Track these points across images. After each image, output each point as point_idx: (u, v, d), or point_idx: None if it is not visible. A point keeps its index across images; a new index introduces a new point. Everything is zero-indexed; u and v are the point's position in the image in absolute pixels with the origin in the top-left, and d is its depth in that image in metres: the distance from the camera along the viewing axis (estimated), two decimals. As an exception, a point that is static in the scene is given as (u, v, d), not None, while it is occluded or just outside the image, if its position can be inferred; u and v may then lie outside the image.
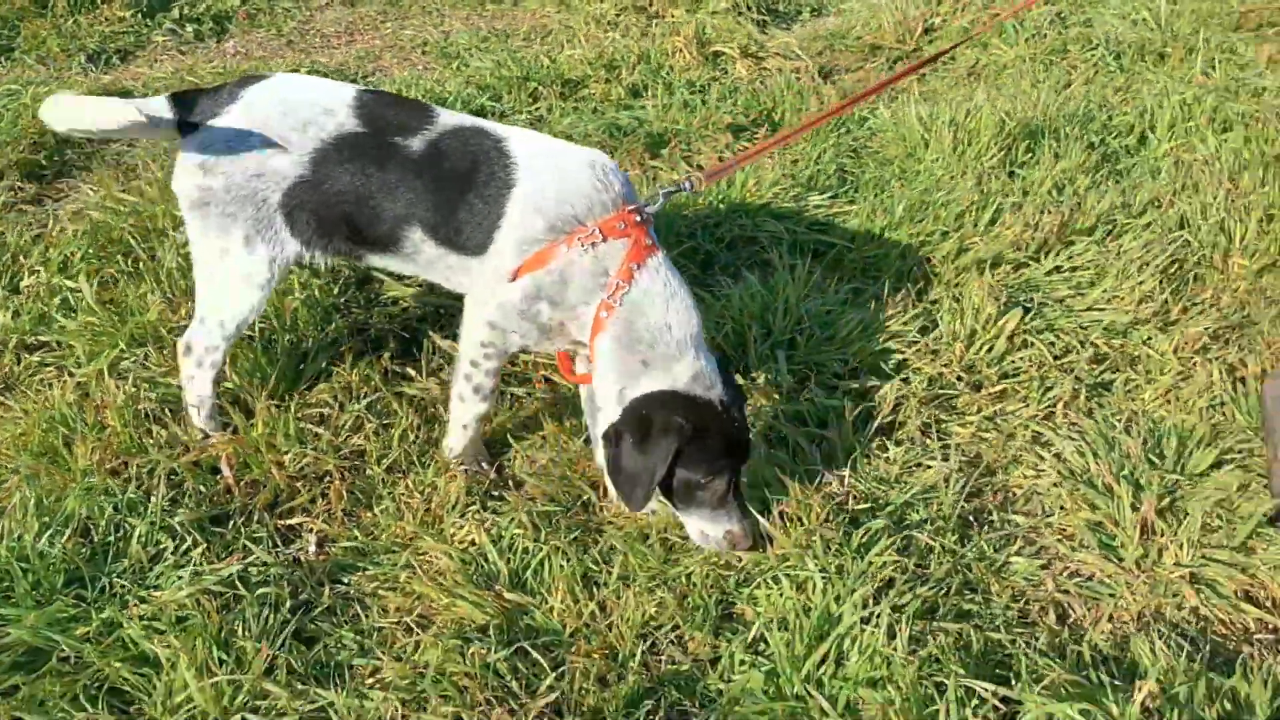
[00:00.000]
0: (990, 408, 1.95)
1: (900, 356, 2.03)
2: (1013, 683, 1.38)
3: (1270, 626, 1.57)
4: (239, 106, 1.67)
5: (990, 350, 2.03)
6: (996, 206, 2.46)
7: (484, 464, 1.84)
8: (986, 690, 1.37)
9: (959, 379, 1.99)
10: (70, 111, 1.61)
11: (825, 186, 2.61)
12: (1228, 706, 1.33)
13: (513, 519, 1.66)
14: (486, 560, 1.62)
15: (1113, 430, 1.86)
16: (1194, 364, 2.03)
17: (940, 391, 1.98)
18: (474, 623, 1.50)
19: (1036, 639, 1.49)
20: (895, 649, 1.40)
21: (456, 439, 1.80)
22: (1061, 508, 1.74)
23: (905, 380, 1.97)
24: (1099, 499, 1.71)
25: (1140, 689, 1.31)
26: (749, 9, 3.95)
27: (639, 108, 3.07)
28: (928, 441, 1.88)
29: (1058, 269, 2.31)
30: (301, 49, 3.70)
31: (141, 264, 2.18)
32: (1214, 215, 2.41)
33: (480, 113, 3.12)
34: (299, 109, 1.67)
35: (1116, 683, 1.35)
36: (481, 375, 1.75)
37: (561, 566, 1.59)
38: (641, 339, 1.63)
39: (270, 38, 3.79)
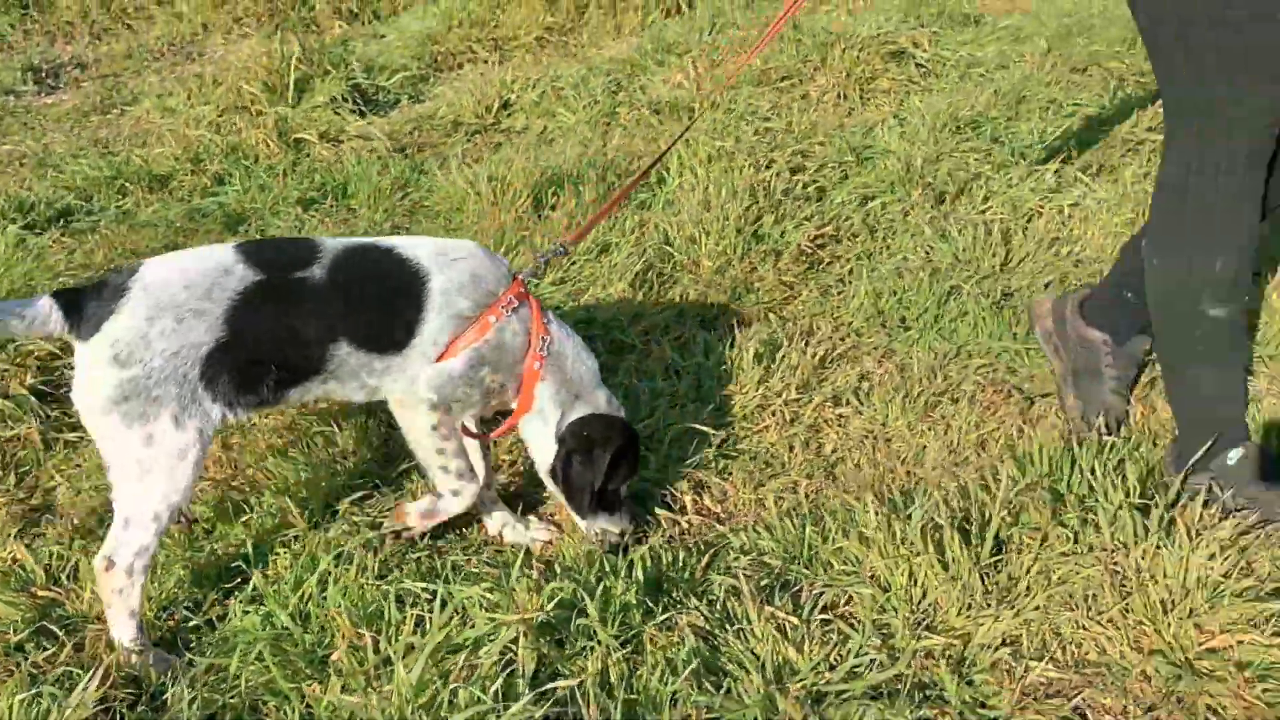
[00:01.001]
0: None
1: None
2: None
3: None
4: (138, 293, 1.66)
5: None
6: (522, 239, 2.96)
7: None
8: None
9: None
10: None
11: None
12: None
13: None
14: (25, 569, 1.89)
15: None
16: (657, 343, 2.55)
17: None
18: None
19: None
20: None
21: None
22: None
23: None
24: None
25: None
26: (346, 100, 4.35)
27: (221, 193, 3.40)
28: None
29: (563, 280, 2.80)
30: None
31: None
32: (688, 229, 2.98)
33: (69, 212, 3.36)
34: (199, 278, 1.69)
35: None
36: (453, 460, 1.87)
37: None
38: (570, 379, 1.90)
39: None
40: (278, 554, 1.88)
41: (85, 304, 1.66)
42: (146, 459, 1.67)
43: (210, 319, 1.68)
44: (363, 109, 4.41)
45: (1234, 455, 1.94)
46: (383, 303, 1.83)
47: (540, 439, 1.95)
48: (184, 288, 1.68)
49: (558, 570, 1.79)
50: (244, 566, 1.85)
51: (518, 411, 1.94)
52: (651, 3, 5.53)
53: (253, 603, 1.78)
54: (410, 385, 1.84)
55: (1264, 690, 1.56)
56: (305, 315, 1.75)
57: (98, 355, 1.65)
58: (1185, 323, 1.97)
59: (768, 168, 3.36)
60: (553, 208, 3.23)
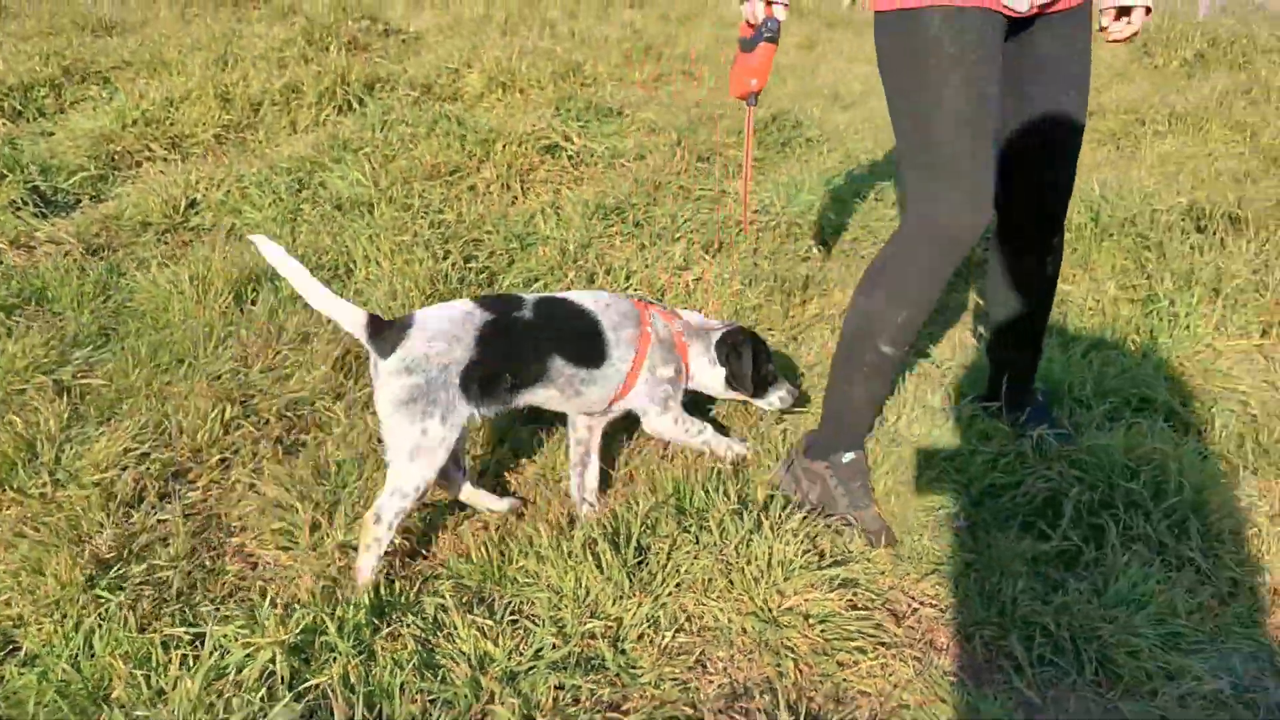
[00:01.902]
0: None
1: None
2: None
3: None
4: (417, 327, 2.31)
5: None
6: (229, 333, 3.31)
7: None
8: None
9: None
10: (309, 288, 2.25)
11: (84, 340, 3.29)
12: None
13: None
14: None
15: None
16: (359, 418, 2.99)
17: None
18: None
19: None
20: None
21: (731, 445, 2.79)
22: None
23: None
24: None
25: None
26: (26, 204, 4.47)
27: (-86, 304, 3.51)
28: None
29: (270, 368, 3.18)
30: None
31: None
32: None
33: None
34: (456, 319, 2.36)
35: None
36: (700, 434, 2.74)
37: None
38: (698, 333, 2.77)
39: None
40: (41, 622, 2.17)
41: (384, 330, 2.31)
42: (419, 446, 2.30)
43: (464, 345, 2.34)
44: (44, 210, 4.55)
45: (848, 456, 2.63)
46: (579, 336, 2.55)
47: (710, 376, 2.79)
48: (448, 321, 2.36)
49: (298, 606, 2.20)
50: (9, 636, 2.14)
51: (689, 372, 2.77)
52: (324, 100, 5.94)
53: (26, 665, 2.07)
54: (641, 404, 2.67)
55: (822, 631, 2.23)
56: (530, 342, 2.46)
57: (394, 368, 2.28)
58: (861, 350, 2.50)
59: (444, 258, 3.88)
60: (253, 302, 3.60)
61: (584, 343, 2.55)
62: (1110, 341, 3.56)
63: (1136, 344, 3.53)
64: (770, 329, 3.64)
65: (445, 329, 2.35)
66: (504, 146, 5.07)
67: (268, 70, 6.32)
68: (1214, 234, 4.33)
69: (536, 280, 3.88)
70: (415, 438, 2.30)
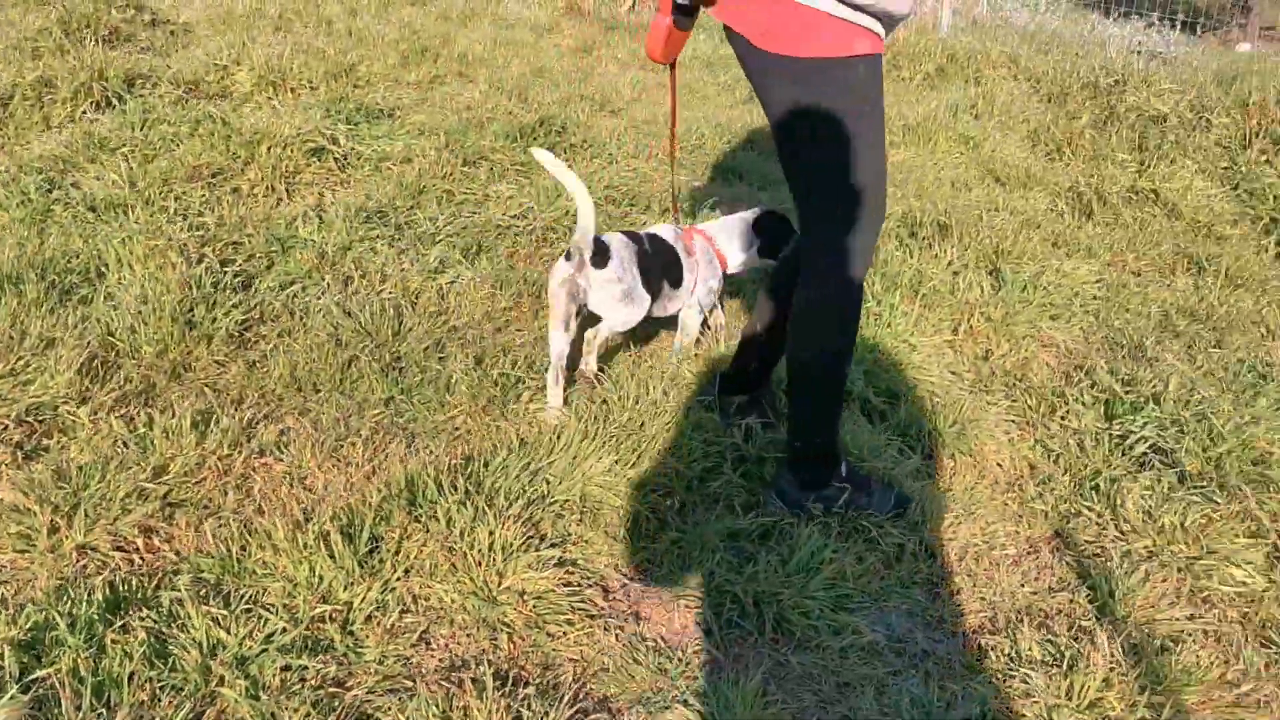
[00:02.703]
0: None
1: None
2: None
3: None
4: (616, 248, 3.31)
5: None
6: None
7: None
8: None
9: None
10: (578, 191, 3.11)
11: None
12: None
13: None
14: None
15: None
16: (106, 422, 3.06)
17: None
18: None
19: None
20: None
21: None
22: None
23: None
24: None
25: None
26: None
27: None
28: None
29: (12, 372, 3.21)
30: None
31: None
32: (129, 320, 3.50)
33: None
34: (628, 241, 3.40)
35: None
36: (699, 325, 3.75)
37: None
38: (728, 229, 3.73)
39: None
40: None
41: (605, 246, 3.29)
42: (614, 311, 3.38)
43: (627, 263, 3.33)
44: None
45: (843, 467, 2.96)
46: (671, 263, 3.53)
47: (738, 256, 3.74)
48: (625, 245, 3.36)
49: (31, 605, 2.30)
50: None
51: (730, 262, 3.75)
52: (80, 95, 5.80)
53: None
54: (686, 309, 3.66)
55: (535, 606, 2.49)
56: (660, 267, 3.47)
57: (609, 273, 3.27)
58: (838, 387, 2.84)
59: (200, 262, 3.95)
60: (-6, 308, 3.58)
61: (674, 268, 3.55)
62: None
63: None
64: (520, 330, 3.87)
65: (624, 251, 3.37)
66: (270, 148, 5.11)
67: (19, 62, 6.12)
68: (923, 240, 4.82)
69: (293, 284, 3.99)
70: (613, 306, 3.37)
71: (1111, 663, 2.48)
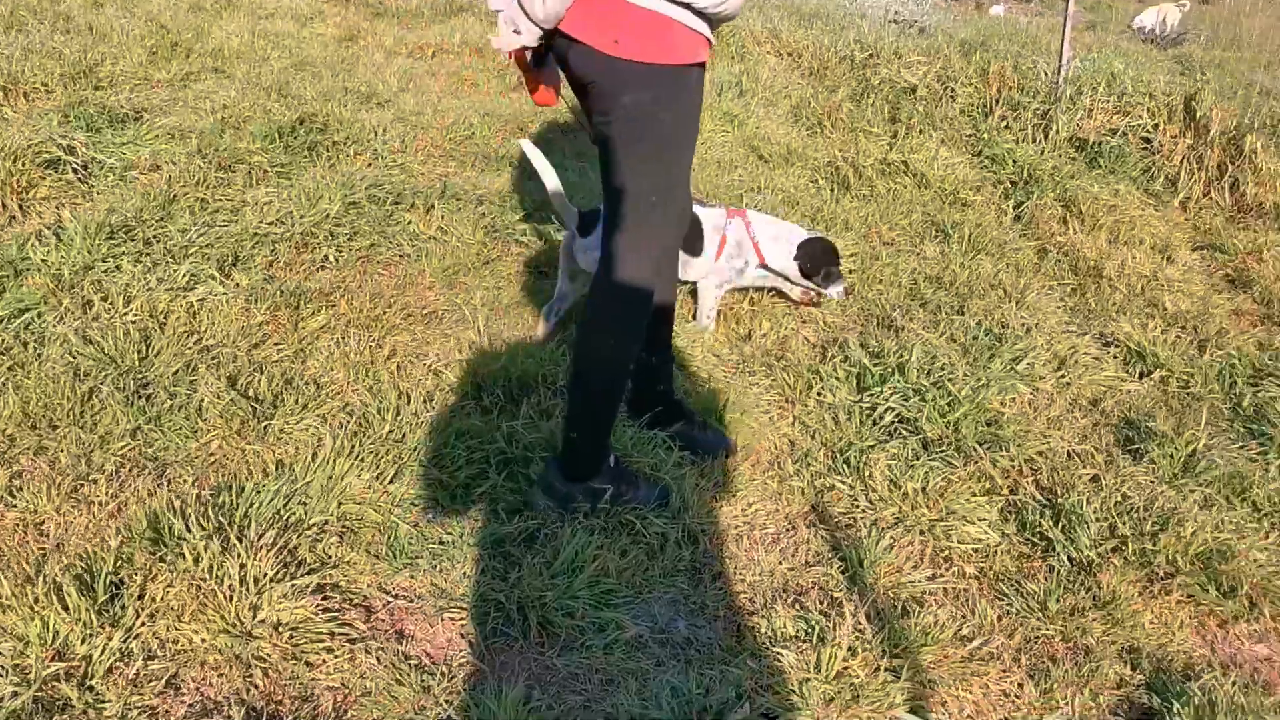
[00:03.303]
0: None
1: None
2: None
3: None
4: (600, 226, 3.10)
5: None
6: None
7: None
8: None
9: None
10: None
11: None
12: None
13: None
14: None
15: None
16: None
17: None
18: None
19: None
20: None
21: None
22: None
23: None
24: None
25: None
26: None
27: None
28: None
29: None
30: None
31: None
32: None
33: None
34: None
35: None
36: (716, 301, 4.10)
37: None
38: (780, 236, 4.06)
39: None
40: None
41: (586, 220, 3.70)
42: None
43: None
44: None
45: (611, 459, 2.99)
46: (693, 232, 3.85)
47: (786, 263, 4.09)
48: None
49: None
50: None
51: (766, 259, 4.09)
52: None
53: None
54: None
55: (291, 637, 2.44)
56: None
57: (587, 243, 3.67)
58: (619, 386, 2.88)
59: (-88, 295, 3.66)
60: None
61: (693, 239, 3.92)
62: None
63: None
64: (278, 343, 3.75)
65: None
66: (-2, 162, 4.78)
67: None
68: (687, 225, 4.93)
69: (26, 312, 3.74)
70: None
71: (857, 631, 2.61)
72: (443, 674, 2.46)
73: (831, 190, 5.80)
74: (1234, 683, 2.54)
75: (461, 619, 2.62)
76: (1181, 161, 6.35)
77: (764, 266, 4.10)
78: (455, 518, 2.95)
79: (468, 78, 7.88)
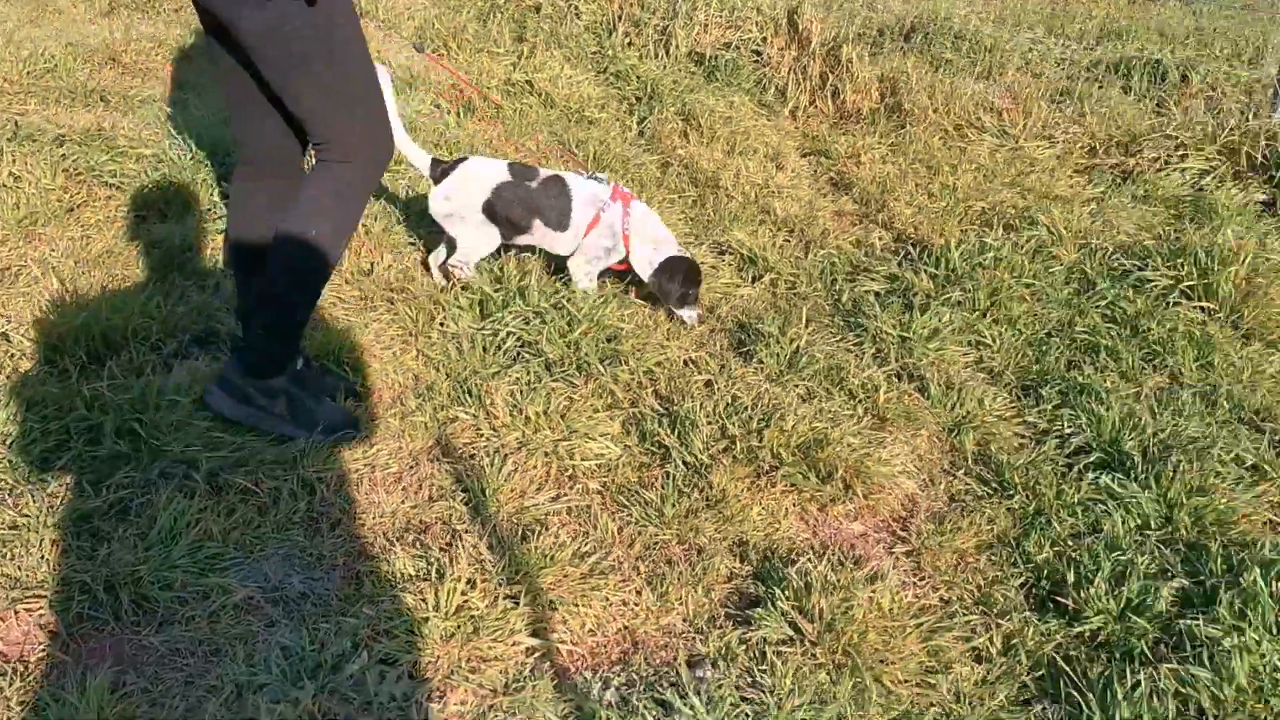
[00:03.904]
0: None
1: None
2: None
3: None
4: (460, 171, 3.73)
5: None
6: None
7: None
8: None
9: None
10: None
11: None
12: None
13: None
14: None
15: None
16: None
17: None
18: None
19: None
20: None
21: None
22: None
23: None
24: None
25: None
26: None
27: None
28: None
29: None
30: None
31: None
32: None
33: None
34: (486, 170, 3.77)
35: None
36: (591, 280, 3.93)
37: None
38: (650, 239, 3.87)
39: None
40: None
41: (440, 168, 3.73)
42: (466, 239, 3.77)
43: (488, 189, 3.74)
44: None
45: (299, 363, 3.03)
46: (557, 203, 3.79)
47: (640, 269, 3.90)
48: (479, 172, 3.73)
49: None
50: None
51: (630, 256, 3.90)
52: None
53: None
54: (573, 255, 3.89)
55: None
56: (524, 200, 3.78)
57: (440, 192, 3.73)
58: (317, 278, 2.81)
59: None
60: None
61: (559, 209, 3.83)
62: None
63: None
64: None
65: (475, 175, 3.78)
66: None
67: None
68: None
69: None
70: (464, 233, 3.79)
71: (477, 563, 2.59)
72: (16, 673, 2.21)
73: (456, 115, 5.66)
74: (827, 562, 2.73)
75: (39, 609, 2.36)
76: (789, 73, 6.70)
77: (626, 262, 3.93)
78: (31, 497, 2.65)
79: (48, 4, 7.04)
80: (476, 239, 3.78)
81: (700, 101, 6.21)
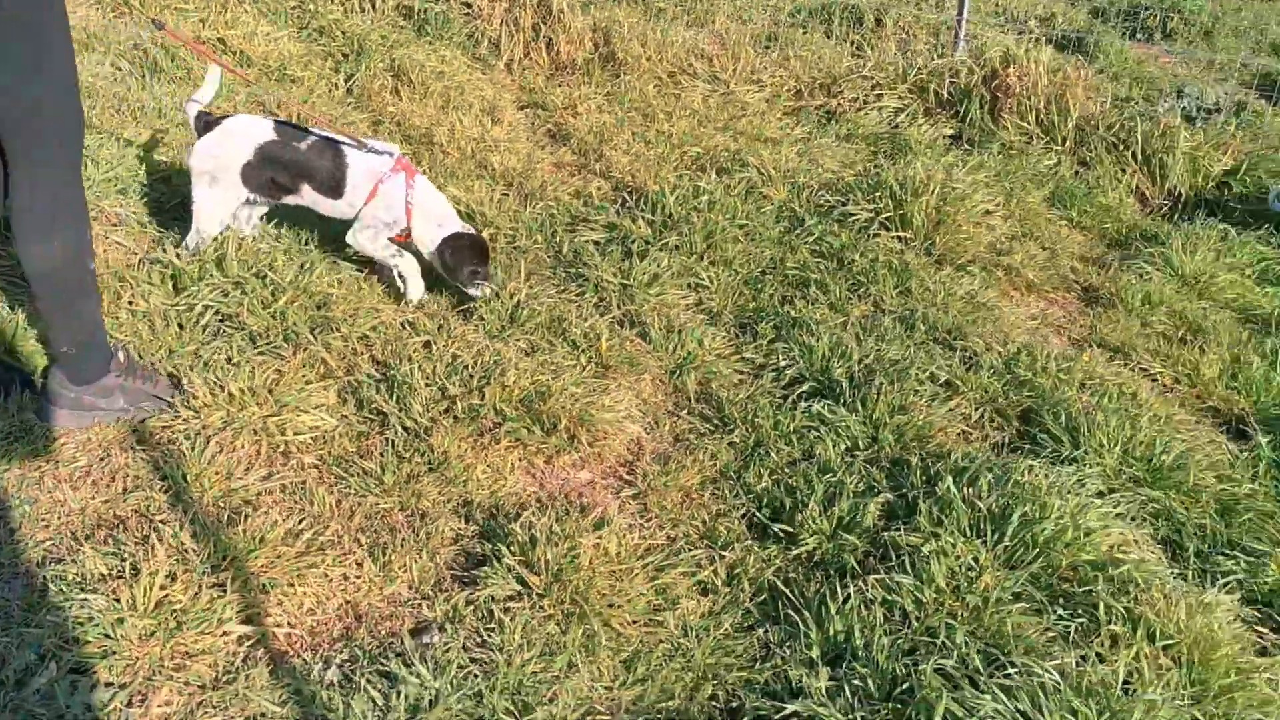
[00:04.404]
0: None
1: None
2: None
3: None
4: (224, 126, 3.50)
5: None
6: None
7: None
8: None
9: None
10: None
11: None
12: None
13: None
14: None
15: None
16: None
17: None
18: None
19: None
20: None
21: (415, 285, 3.70)
22: None
23: None
24: None
25: None
26: None
27: None
28: None
29: None
30: None
31: None
32: None
33: None
34: (251, 128, 3.53)
35: None
36: (381, 249, 3.67)
37: None
38: (433, 215, 3.65)
39: None
40: None
41: (205, 121, 3.53)
42: (208, 206, 3.55)
43: (250, 149, 3.52)
44: None
45: (122, 355, 2.87)
46: (328, 169, 3.57)
47: (423, 244, 3.67)
48: (244, 130, 3.53)
49: None
50: None
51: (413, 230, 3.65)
52: None
53: None
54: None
55: None
56: (293, 163, 3.56)
57: (203, 147, 3.50)
58: (80, 276, 2.65)
59: None
60: None
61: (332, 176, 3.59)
62: None
63: None
64: None
65: (239, 133, 3.53)
66: None
67: None
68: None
69: None
70: (207, 199, 3.53)
71: (177, 554, 2.41)
72: None
73: (140, 77, 5.23)
74: (553, 513, 2.71)
75: None
76: (501, 25, 6.59)
77: (407, 234, 3.67)
78: None
79: None
80: (215, 209, 3.54)
81: (411, 56, 6.01)
